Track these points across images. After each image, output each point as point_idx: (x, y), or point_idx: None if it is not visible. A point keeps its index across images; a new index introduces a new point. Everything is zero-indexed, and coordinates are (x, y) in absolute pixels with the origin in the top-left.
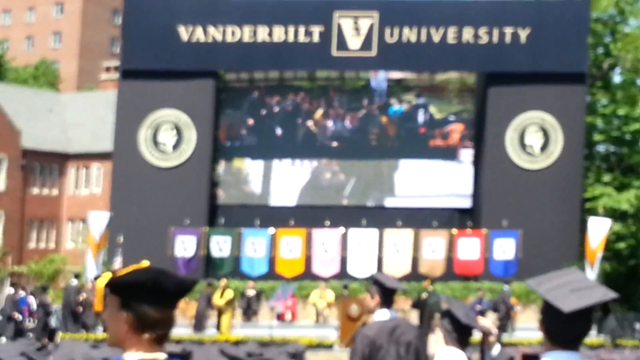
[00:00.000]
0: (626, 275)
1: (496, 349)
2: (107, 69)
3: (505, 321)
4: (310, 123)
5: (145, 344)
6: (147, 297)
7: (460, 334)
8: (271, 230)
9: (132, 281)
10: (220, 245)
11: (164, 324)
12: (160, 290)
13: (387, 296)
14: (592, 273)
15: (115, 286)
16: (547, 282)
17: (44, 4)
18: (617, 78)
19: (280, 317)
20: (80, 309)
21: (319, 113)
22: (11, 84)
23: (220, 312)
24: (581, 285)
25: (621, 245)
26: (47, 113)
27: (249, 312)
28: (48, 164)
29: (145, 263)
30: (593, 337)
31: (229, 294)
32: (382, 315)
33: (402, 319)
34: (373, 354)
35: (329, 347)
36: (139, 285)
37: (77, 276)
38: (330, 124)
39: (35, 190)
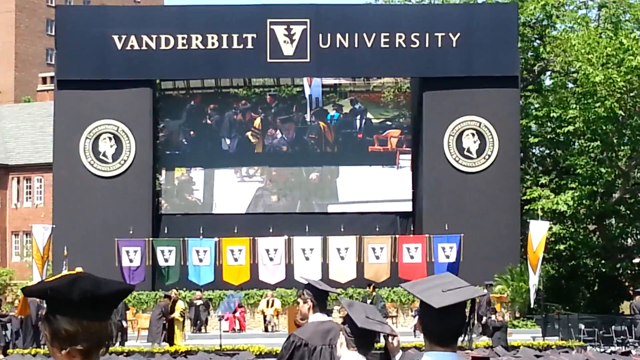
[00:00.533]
0: (567, 276)
1: (399, 355)
2: (44, 80)
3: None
4: (249, 132)
5: None
6: (59, 307)
7: (359, 337)
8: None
9: (41, 289)
10: (166, 255)
11: (88, 337)
12: (78, 299)
13: (320, 300)
14: (534, 276)
15: (30, 293)
16: (420, 284)
17: None
18: (548, 81)
19: (229, 327)
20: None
21: (257, 121)
22: None
23: (170, 324)
24: (452, 286)
25: (561, 246)
26: None
27: (198, 322)
28: None
29: (78, 269)
30: (539, 339)
31: (181, 305)
32: (316, 318)
33: (335, 322)
34: (307, 357)
35: None
36: (48, 292)
37: None
38: (269, 131)
39: None
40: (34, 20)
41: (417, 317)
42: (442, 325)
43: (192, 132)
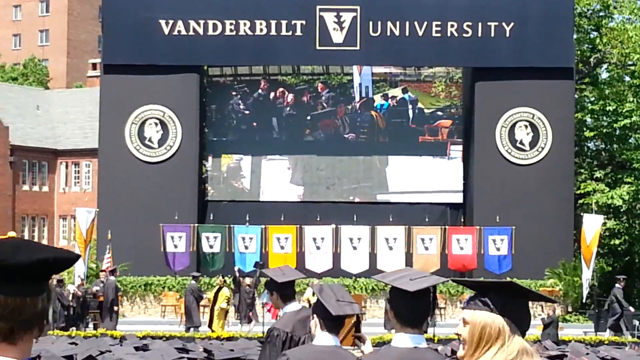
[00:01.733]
0: (621, 272)
1: (368, 341)
2: (94, 66)
3: None
4: (297, 119)
5: None
6: None
7: (332, 320)
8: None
9: None
10: (211, 242)
11: (6, 315)
12: None
13: (285, 289)
14: (588, 270)
15: None
16: (390, 275)
17: (30, 1)
18: (604, 74)
19: (273, 314)
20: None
21: (306, 108)
22: None
23: (212, 310)
24: (418, 275)
25: (615, 241)
26: (35, 110)
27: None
28: (37, 160)
29: (10, 234)
30: (591, 335)
31: (226, 292)
32: (291, 308)
33: (308, 309)
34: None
35: None
36: None
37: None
38: (318, 119)
39: (25, 187)
40: (86, 7)
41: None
42: (414, 309)
43: (239, 119)
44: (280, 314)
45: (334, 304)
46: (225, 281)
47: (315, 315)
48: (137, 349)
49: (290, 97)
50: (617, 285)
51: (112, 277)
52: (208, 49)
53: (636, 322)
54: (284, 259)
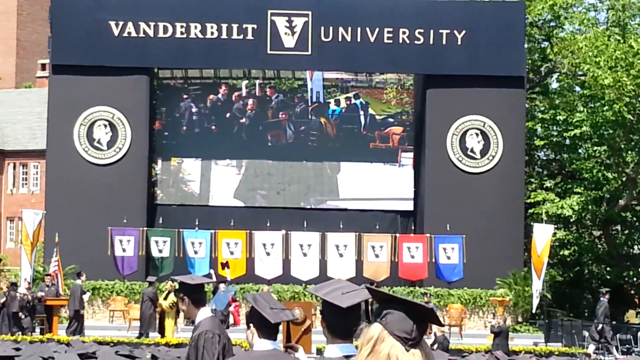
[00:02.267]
0: (571, 282)
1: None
2: (43, 67)
3: None
4: (247, 124)
5: None
6: None
7: (269, 328)
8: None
9: None
10: (160, 246)
11: None
12: None
13: (197, 293)
14: (538, 281)
15: None
16: (323, 288)
17: None
18: (555, 84)
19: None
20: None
21: (257, 113)
22: None
23: (162, 315)
24: (349, 289)
25: (565, 252)
26: None
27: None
28: None
29: None
30: (542, 345)
31: (173, 296)
32: (203, 313)
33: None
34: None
35: None
36: None
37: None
38: (268, 124)
39: None
40: (36, 7)
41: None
42: (345, 321)
43: (189, 123)
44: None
45: (270, 312)
46: (175, 286)
47: (251, 325)
48: (81, 356)
49: (241, 101)
50: (602, 298)
51: (79, 281)
52: (158, 51)
53: (585, 333)
54: (234, 264)
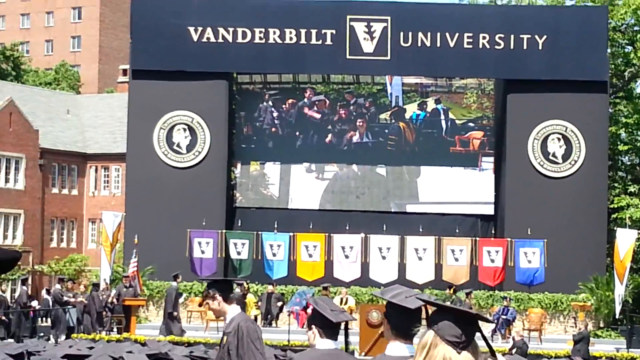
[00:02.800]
0: None
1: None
2: (125, 72)
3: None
4: (327, 128)
5: None
6: None
7: (331, 328)
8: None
9: None
10: (239, 248)
11: None
12: None
13: (227, 292)
14: (621, 285)
15: None
16: (388, 292)
17: (62, 8)
18: (639, 89)
19: (299, 323)
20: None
21: (336, 118)
22: (29, 86)
23: None
24: (410, 294)
25: None
26: (65, 114)
27: (269, 316)
28: (67, 164)
29: None
30: (623, 351)
31: (251, 297)
32: (234, 310)
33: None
34: None
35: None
36: None
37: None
38: (348, 128)
39: (54, 190)
40: (118, 14)
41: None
42: (410, 323)
43: (269, 127)
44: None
45: (331, 313)
46: (248, 288)
47: (313, 326)
48: (153, 356)
49: (321, 106)
50: (469, 297)
51: (174, 283)
52: (237, 56)
53: None
54: (312, 267)
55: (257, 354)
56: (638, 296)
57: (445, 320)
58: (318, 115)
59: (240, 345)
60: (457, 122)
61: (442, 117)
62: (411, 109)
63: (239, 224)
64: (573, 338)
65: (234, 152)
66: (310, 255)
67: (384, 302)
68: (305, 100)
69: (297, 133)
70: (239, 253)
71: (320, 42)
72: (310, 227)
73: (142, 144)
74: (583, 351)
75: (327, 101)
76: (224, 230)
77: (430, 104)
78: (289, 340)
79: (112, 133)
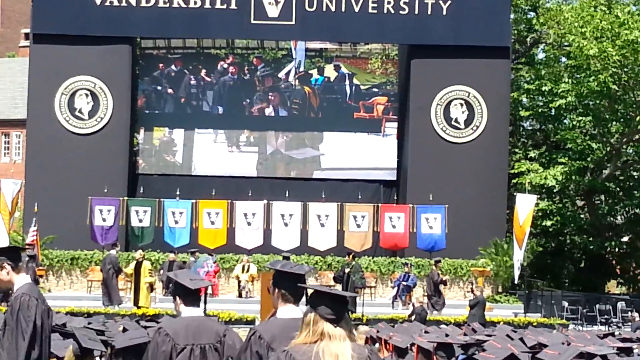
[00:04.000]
0: (552, 252)
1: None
2: (27, 36)
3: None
4: (231, 94)
5: None
6: None
7: (191, 295)
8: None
9: None
10: (140, 216)
11: None
12: None
13: (15, 258)
14: (520, 251)
15: None
16: (276, 264)
17: None
18: (540, 54)
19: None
20: None
21: (240, 83)
22: None
23: (137, 285)
24: (294, 265)
25: (548, 222)
26: None
27: (170, 284)
28: None
29: None
30: (521, 316)
31: (148, 265)
32: (22, 280)
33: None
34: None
35: (251, 322)
36: None
37: None
38: (251, 94)
39: None
40: None
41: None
42: (298, 289)
43: (172, 92)
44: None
45: (190, 282)
46: (144, 255)
47: (177, 297)
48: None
49: (224, 70)
50: (434, 268)
51: (113, 251)
52: (140, 20)
53: (565, 304)
54: (214, 234)
55: (22, 333)
56: (536, 261)
57: (322, 301)
58: (222, 80)
59: (11, 320)
60: (361, 87)
61: (346, 82)
62: (315, 74)
63: (141, 191)
64: (469, 303)
65: (137, 118)
66: (212, 223)
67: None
68: (216, 70)
69: (201, 99)
70: (140, 221)
71: (224, 6)
72: (213, 194)
73: (43, 109)
74: (479, 316)
75: (232, 67)
76: (125, 198)
77: (334, 70)
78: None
79: (13, 98)
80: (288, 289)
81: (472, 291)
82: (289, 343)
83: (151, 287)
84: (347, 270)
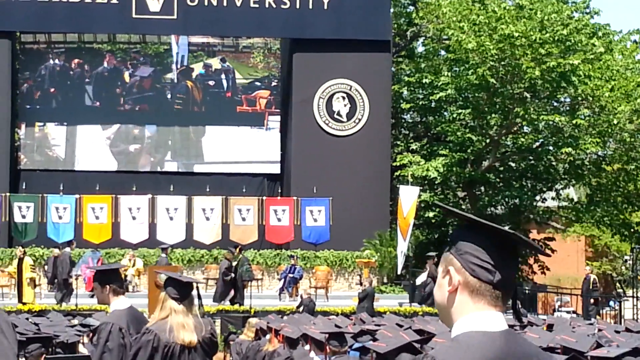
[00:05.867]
0: (436, 242)
1: None
2: None
3: None
4: (113, 89)
5: None
6: None
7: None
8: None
9: None
10: (23, 211)
11: None
12: None
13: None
14: (404, 242)
15: None
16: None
17: None
18: (420, 48)
19: (87, 286)
20: None
21: (122, 78)
22: None
23: (20, 282)
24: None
25: (430, 213)
26: None
27: (55, 280)
28: None
29: None
30: (407, 305)
31: (29, 261)
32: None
33: None
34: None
35: None
36: None
37: None
38: (134, 89)
39: None
40: None
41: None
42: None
43: (54, 87)
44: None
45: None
46: (25, 252)
47: (107, 286)
48: None
49: (106, 66)
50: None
51: (68, 249)
52: (20, 14)
53: None
54: (99, 229)
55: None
56: (420, 252)
57: (171, 284)
58: (104, 75)
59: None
60: (244, 81)
61: (229, 76)
62: (197, 69)
63: (24, 187)
64: (358, 295)
65: (18, 113)
66: (97, 218)
67: (174, 264)
68: (98, 66)
69: (82, 93)
70: (23, 217)
71: (106, 0)
72: (97, 188)
73: None
74: (368, 307)
75: (114, 61)
76: (7, 194)
77: (217, 64)
78: (76, 305)
79: None
80: (177, 293)
81: (361, 283)
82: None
83: (34, 283)
84: (234, 263)
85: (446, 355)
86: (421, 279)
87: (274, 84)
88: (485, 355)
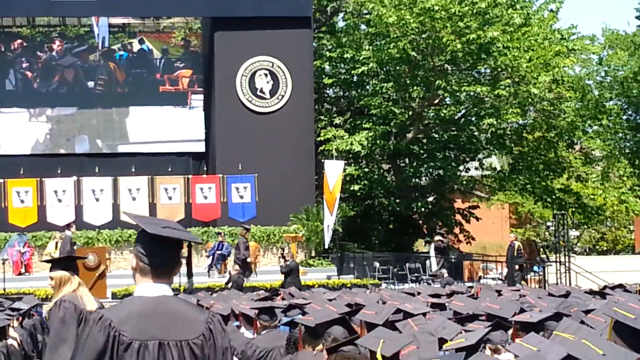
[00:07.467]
0: (362, 215)
1: None
2: None
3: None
4: (34, 72)
5: None
6: None
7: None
8: None
9: None
10: None
11: None
12: None
13: None
14: (331, 216)
15: None
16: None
17: None
18: (341, 23)
19: (15, 270)
20: None
21: (43, 61)
22: None
23: None
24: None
25: (356, 187)
26: None
27: None
28: None
29: None
30: (335, 278)
31: None
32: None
33: None
34: None
35: None
36: None
37: None
38: (56, 71)
39: None
40: None
41: (209, 257)
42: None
43: None
44: None
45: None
46: None
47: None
48: None
49: (26, 49)
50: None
51: (69, 232)
52: None
53: (376, 264)
54: (25, 212)
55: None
56: (347, 225)
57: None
58: (25, 59)
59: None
60: (166, 61)
61: (151, 56)
62: (119, 50)
63: None
64: (281, 271)
65: None
66: (22, 201)
67: (101, 245)
68: (18, 49)
69: (3, 77)
70: None
71: None
72: (22, 172)
73: None
74: (295, 282)
75: (35, 44)
76: None
77: (138, 45)
78: (4, 289)
79: None
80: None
81: (284, 257)
82: None
83: None
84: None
85: (109, 312)
86: (434, 266)
87: (196, 63)
88: (133, 310)
